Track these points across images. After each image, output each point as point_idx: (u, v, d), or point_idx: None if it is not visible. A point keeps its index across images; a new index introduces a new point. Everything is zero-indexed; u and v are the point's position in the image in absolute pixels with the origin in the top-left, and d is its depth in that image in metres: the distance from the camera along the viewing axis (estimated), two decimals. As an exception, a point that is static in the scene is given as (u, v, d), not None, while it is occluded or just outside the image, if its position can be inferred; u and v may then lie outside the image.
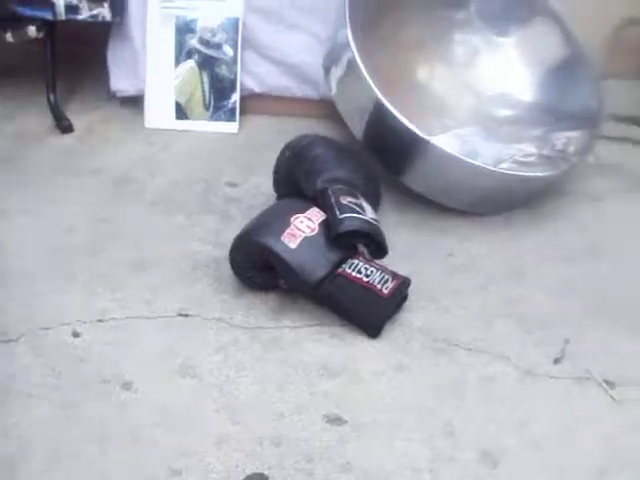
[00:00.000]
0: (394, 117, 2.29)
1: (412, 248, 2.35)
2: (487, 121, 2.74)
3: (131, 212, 2.47)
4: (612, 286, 2.27)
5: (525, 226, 2.48)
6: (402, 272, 2.14)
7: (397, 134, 2.32)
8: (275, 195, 2.41)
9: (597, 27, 3.18)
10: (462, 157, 2.32)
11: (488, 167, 2.36)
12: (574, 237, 2.46)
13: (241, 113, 2.89)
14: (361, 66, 2.33)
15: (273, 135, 2.83)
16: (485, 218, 2.48)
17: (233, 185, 2.61)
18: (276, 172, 2.37)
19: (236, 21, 2.78)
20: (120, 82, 2.93)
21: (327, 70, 2.62)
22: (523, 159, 2.57)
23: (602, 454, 1.80)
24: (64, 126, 2.86)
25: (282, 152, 2.35)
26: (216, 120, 2.86)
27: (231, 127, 2.87)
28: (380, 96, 2.30)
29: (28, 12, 2.77)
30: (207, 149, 2.80)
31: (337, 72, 2.54)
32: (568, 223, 2.52)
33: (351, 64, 2.40)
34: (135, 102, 2.94)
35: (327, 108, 2.77)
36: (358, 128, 2.48)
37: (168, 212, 2.47)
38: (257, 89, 2.91)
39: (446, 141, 2.59)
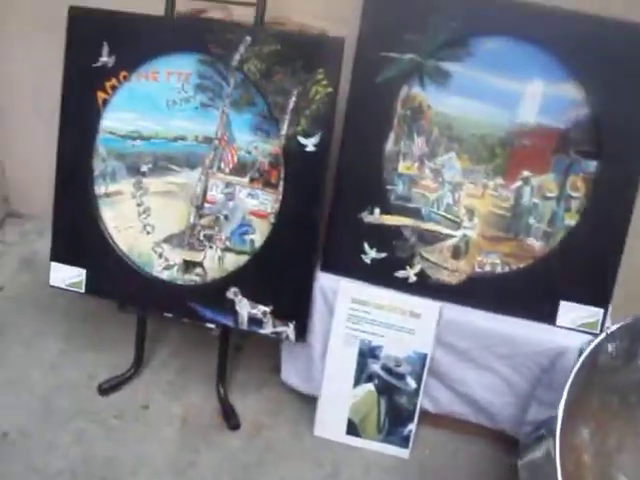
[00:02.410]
0: None
1: None
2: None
3: None
4: None
5: None
6: None
7: None
8: None
9: None
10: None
11: None
12: None
13: (412, 427, 2.80)
14: None
15: (445, 458, 2.80)
16: None
17: None
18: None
19: (424, 357, 2.65)
20: (291, 377, 2.85)
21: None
22: None
23: None
24: (232, 424, 2.80)
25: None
26: (388, 443, 2.76)
27: (402, 453, 2.76)
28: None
29: (208, 315, 2.69)
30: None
31: (534, 452, 2.36)
32: None
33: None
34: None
35: (500, 434, 2.76)
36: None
37: None
38: (432, 410, 2.78)
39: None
